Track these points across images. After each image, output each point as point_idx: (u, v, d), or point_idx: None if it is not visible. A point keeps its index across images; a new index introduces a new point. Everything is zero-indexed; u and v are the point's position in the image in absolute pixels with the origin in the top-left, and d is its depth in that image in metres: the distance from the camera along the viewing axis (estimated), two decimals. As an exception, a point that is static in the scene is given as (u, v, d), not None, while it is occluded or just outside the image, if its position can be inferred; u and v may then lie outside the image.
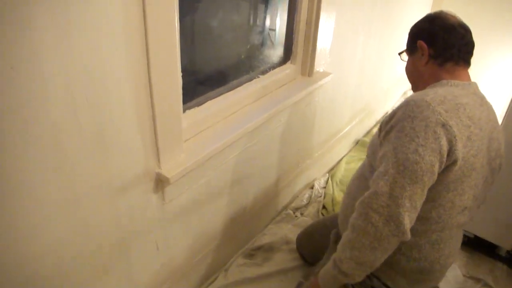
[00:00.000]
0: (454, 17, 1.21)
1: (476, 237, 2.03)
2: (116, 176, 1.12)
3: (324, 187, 2.42)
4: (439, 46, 1.18)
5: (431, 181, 1.02)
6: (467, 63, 1.20)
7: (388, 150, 1.03)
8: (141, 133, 1.14)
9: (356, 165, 2.69)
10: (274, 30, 1.83)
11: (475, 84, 1.18)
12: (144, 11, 0.98)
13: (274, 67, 1.80)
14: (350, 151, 2.84)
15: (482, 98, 1.16)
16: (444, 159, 1.02)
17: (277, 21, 1.83)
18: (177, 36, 1.10)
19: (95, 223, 1.12)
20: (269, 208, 2.08)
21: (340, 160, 2.69)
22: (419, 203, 1.02)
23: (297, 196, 2.32)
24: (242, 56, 1.68)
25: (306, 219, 2.16)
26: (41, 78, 0.85)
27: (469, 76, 1.20)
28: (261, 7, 1.77)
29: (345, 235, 1.10)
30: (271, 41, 1.83)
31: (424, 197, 1.03)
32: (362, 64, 2.47)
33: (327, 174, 2.53)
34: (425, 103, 1.02)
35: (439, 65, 1.19)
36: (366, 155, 1.29)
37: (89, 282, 1.20)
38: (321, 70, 1.97)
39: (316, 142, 2.30)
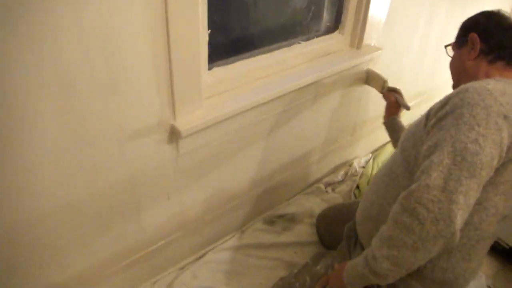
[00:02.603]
0: (511, 18, 1.13)
1: (512, 248, 1.86)
2: (128, 122, 1.16)
3: (363, 167, 2.33)
4: (493, 43, 1.12)
5: (487, 178, 0.92)
6: None
7: (443, 139, 0.92)
8: (157, 84, 1.15)
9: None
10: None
11: None
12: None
13: (319, 34, 1.72)
14: (400, 135, 2.70)
15: None
16: (504, 154, 0.92)
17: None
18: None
19: (103, 163, 1.17)
20: (299, 178, 2.05)
21: (386, 143, 2.57)
22: (472, 201, 0.91)
23: (333, 172, 2.26)
24: (284, 19, 1.61)
25: (336, 196, 2.11)
26: (54, 24, 0.89)
27: None
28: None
29: (384, 231, 0.99)
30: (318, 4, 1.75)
31: (478, 195, 0.92)
32: (424, 44, 2.27)
33: (370, 154, 2.43)
34: (487, 91, 0.93)
35: (489, 62, 1.13)
36: (400, 149, 1.16)
37: (96, 221, 1.27)
38: (372, 44, 1.86)
39: (360, 120, 2.20)
